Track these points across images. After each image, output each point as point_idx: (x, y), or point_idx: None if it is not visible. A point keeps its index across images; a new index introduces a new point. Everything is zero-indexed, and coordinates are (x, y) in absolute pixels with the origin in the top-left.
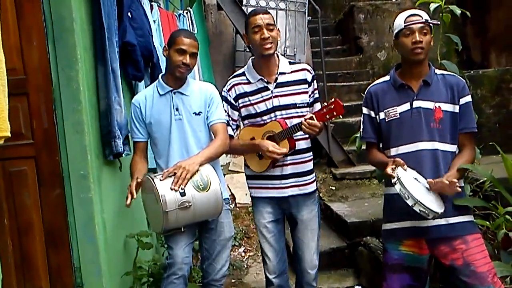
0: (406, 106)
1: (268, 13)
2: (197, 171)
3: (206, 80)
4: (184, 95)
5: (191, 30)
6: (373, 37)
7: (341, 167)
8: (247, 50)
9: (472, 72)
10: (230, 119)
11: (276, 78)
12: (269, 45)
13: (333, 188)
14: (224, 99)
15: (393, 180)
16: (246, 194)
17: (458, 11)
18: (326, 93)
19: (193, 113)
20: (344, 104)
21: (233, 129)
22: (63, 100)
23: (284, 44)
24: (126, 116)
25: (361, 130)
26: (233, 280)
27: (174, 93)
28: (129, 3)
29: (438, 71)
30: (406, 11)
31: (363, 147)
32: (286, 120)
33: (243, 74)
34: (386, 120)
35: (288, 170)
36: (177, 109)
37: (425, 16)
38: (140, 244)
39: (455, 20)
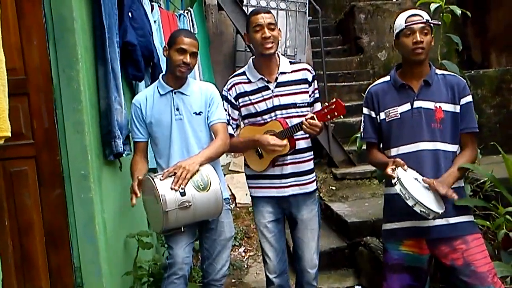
0: (406, 106)
1: (270, 12)
2: (197, 171)
3: (207, 80)
4: (184, 95)
5: (192, 30)
6: (374, 37)
7: (342, 167)
8: (248, 50)
9: (472, 72)
10: (230, 118)
11: (277, 78)
12: (270, 45)
13: (334, 188)
14: (225, 98)
15: (393, 181)
16: (246, 194)
17: (458, 11)
18: (327, 93)
19: (194, 113)
20: (345, 104)
21: (233, 128)
22: (64, 100)
23: (284, 44)
24: (126, 116)
25: (361, 130)
26: (233, 280)
27: (175, 93)
28: (130, 3)
29: (438, 71)
30: (406, 11)
31: (364, 147)
32: (286, 120)
33: (243, 73)
34: (387, 120)
35: (288, 169)
36: (177, 109)
37: (426, 16)
38: (140, 244)
39: (456, 20)
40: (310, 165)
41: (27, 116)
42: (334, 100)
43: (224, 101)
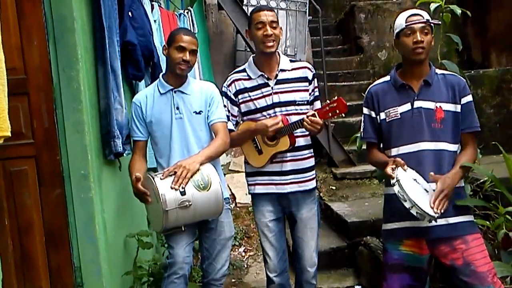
0: (407, 106)
1: (273, 10)
2: (197, 170)
3: (206, 80)
4: (184, 94)
5: (192, 30)
6: (374, 37)
7: (342, 167)
8: (248, 50)
9: (472, 72)
10: (230, 114)
11: (277, 75)
12: (271, 43)
13: (334, 187)
14: (224, 94)
15: (392, 181)
16: (246, 194)
17: (458, 10)
18: (327, 93)
19: (194, 112)
20: None
21: (233, 125)
22: (64, 100)
23: (284, 43)
24: (127, 115)
25: (361, 130)
26: (233, 280)
27: (175, 91)
28: (130, 3)
29: (438, 71)
30: (407, 11)
31: (364, 147)
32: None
33: (243, 70)
34: (387, 120)
35: (288, 166)
36: (177, 108)
37: (426, 16)
38: (140, 244)
39: (456, 20)
40: (309, 163)
41: (27, 115)
42: (336, 98)
43: (223, 97)
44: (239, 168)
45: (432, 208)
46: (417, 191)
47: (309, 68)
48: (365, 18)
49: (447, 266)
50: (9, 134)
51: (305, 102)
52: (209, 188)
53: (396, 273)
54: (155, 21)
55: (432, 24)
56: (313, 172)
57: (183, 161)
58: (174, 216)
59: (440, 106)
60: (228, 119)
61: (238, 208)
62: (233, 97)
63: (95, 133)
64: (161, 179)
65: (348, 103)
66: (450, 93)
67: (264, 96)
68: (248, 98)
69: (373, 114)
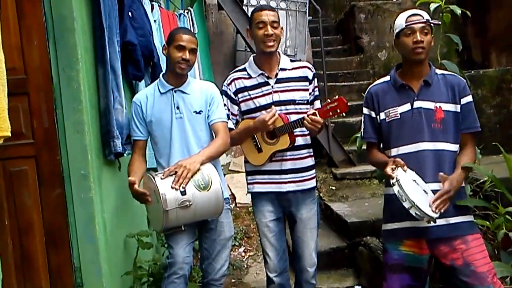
0: (406, 107)
1: (274, 10)
2: (198, 170)
3: (206, 80)
4: (185, 94)
5: (192, 30)
6: (374, 37)
7: (342, 167)
8: (248, 50)
9: (472, 72)
10: (230, 113)
11: (277, 74)
12: (271, 43)
13: (334, 188)
14: (224, 93)
15: (391, 181)
16: (246, 194)
17: (458, 11)
18: (327, 93)
19: (194, 112)
20: None
21: (233, 123)
22: (64, 100)
23: (284, 43)
24: (127, 115)
25: (361, 130)
26: (233, 280)
27: (175, 91)
28: (130, 3)
29: (438, 71)
30: (407, 11)
31: (364, 147)
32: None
33: (244, 69)
34: (387, 121)
35: (288, 165)
36: (177, 108)
37: (426, 16)
38: (140, 244)
39: (456, 20)
40: (308, 162)
41: (27, 115)
42: (337, 97)
43: (223, 96)
44: (239, 168)
45: (431, 207)
46: (417, 191)
47: (309, 68)
48: (365, 18)
49: (447, 266)
50: (9, 134)
51: (305, 102)
52: (210, 188)
53: (396, 273)
54: (155, 21)
55: (432, 24)
56: (313, 171)
57: (183, 161)
58: (174, 216)
59: (440, 106)
60: (228, 118)
61: (238, 208)
62: (233, 95)
63: (95, 133)
64: (161, 178)
65: (348, 103)
66: (450, 93)
67: (264, 95)
68: (248, 97)
69: (373, 114)
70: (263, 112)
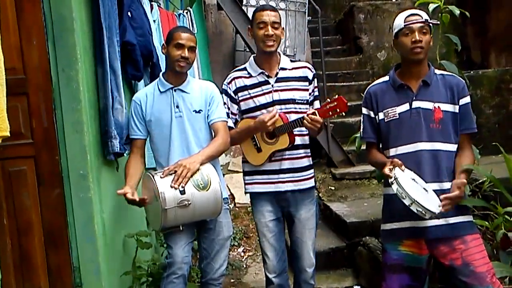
0: (405, 107)
1: (276, 10)
2: (197, 170)
3: (205, 79)
4: (184, 93)
5: (191, 30)
6: (373, 37)
7: (341, 167)
8: (247, 50)
9: (471, 72)
10: (230, 112)
11: (277, 73)
12: (271, 43)
13: (333, 188)
14: (224, 91)
15: (390, 180)
16: (245, 194)
17: (457, 11)
18: (326, 93)
19: (194, 111)
20: None
21: (232, 123)
22: (63, 100)
23: (284, 44)
24: (127, 115)
25: (360, 130)
26: (232, 280)
27: (175, 90)
28: (129, 3)
29: (437, 71)
30: (406, 11)
31: (363, 147)
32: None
33: (244, 69)
34: (386, 121)
35: (286, 164)
36: (177, 106)
37: (425, 16)
38: (139, 244)
39: (455, 20)
40: (306, 161)
41: (26, 115)
42: (337, 96)
43: (223, 95)
44: (238, 168)
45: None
46: (416, 189)
47: (309, 68)
48: (365, 18)
49: (446, 266)
50: (8, 134)
51: (305, 102)
52: (209, 188)
53: (395, 273)
54: (154, 21)
55: (430, 24)
56: (311, 171)
57: (183, 160)
58: (173, 215)
59: (438, 107)
60: (228, 117)
61: (237, 208)
62: (233, 94)
63: (94, 133)
64: (161, 177)
65: (347, 103)
66: (448, 93)
67: (264, 94)
68: (248, 96)
69: (372, 114)
70: (264, 111)
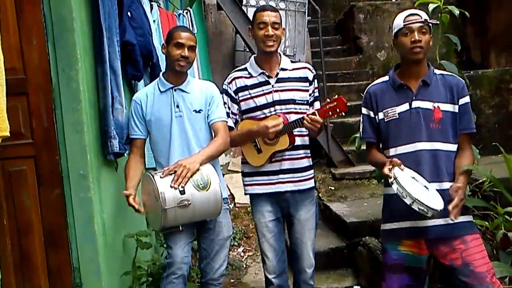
0: (405, 106)
1: (276, 11)
2: (197, 170)
3: (205, 79)
4: (184, 92)
5: (191, 30)
6: (373, 37)
7: (341, 167)
8: (247, 50)
9: (471, 72)
10: (230, 112)
11: (278, 73)
12: (271, 43)
13: (332, 188)
14: (225, 91)
15: (390, 180)
16: (245, 195)
17: (456, 11)
18: (326, 93)
19: (194, 111)
20: None
21: (232, 122)
22: (63, 100)
23: (283, 44)
24: (127, 115)
25: (360, 130)
26: (232, 280)
27: (175, 90)
28: (129, 3)
29: (437, 71)
30: (405, 11)
31: (363, 147)
32: (285, 116)
33: (245, 69)
34: (385, 120)
35: (286, 165)
36: (177, 106)
37: (424, 16)
38: (139, 244)
39: (455, 20)
40: (306, 162)
41: (26, 115)
42: (336, 96)
43: (224, 95)
44: (238, 168)
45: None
46: (417, 187)
47: (309, 69)
48: (364, 18)
49: (446, 266)
50: (8, 134)
51: (305, 102)
52: (208, 188)
53: (395, 273)
54: (154, 21)
55: (430, 24)
56: (310, 172)
57: (183, 160)
58: (172, 215)
59: (438, 106)
60: (228, 116)
61: (237, 208)
62: (233, 94)
63: (94, 133)
64: (160, 177)
65: (347, 103)
66: (448, 93)
67: (264, 94)
68: (249, 96)
69: (372, 114)
70: (263, 111)
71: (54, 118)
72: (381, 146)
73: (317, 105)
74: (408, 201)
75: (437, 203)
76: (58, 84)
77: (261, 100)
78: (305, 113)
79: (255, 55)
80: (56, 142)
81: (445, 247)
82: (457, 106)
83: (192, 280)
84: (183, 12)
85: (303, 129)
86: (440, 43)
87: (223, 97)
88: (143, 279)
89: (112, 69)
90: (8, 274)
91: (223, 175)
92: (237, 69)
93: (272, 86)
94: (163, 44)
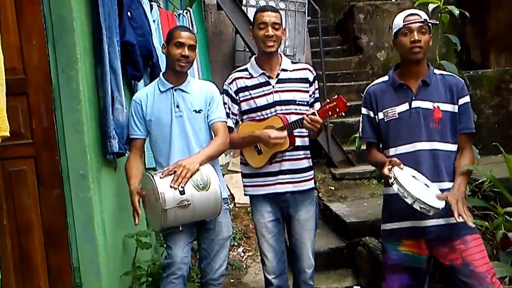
0: (404, 106)
1: (277, 11)
2: (197, 170)
3: (204, 79)
4: (184, 92)
5: (191, 30)
6: (373, 37)
7: (341, 167)
8: (247, 50)
9: (471, 72)
10: (230, 112)
11: (278, 74)
12: (271, 43)
13: (332, 188)
14: (225, 92)
15: (390, 180)
16: (245, 194)
17: (456, 11)
18: (326, 93)
19: (194, 111)
20: None
21: (233, 123)
22: (63, 100)
23: (283, 44)
24: (128, 115)
25: (360, 130)
26: (232, 280)
27: (175, 90)
28: (129, 3)
29: (437, 71)
30: (405, 11)
31: (363, 147)
32: (286, 116)
33: (245, 69)
34: (385, 120)
35: (286, 166)
36: (177, 106)
37: (424, 16)
38: (139, 244)
39: (455, 20)
40: (306, 163)
41: (26, 115)
42: (336, 96)
43: (224, 95)
44: (238, 168)
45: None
46: (417, 186)
47: (310, 70)
48: (364, 18)
49: (446, 266)
50: (8, 134)
51: (305, 103)
52: (208, 188)
53: (395, 273)
54: (154, 21)
55: (430, 24)
56: (310, 173)
57: (183, 161)
58: (172, 215)
59: (438, 106)
60: (228, 117)
61: (237, 209)
62: (234, 95)
63: (94, 133)
64: (160, 177)
65: (347, 103)
66: (448, 93)
67: (265, 95)
68: (249, 96)
69: (372, 114)
70: (264, 112)
71: (54, 118)
72: (381, 146)
73: (317, 106)
74: (409, 200)
75: (438, 201)
76: (58, 84)
77: (262, 101)
78: (305, 114)
79: (256, 55)
80: (56, 142)
81: (445, 247)
82: (456, 106)
83: (192, 280)
84: (183, 12)
85: (303, 129)
86: (440, 43)
87: (223, 98)
88: (143, 279)
89: (112, 69)
90: (8, 274)
91: (223, 175)
92: (237, 69)
93: (273, 86)
94: (163, 44)
